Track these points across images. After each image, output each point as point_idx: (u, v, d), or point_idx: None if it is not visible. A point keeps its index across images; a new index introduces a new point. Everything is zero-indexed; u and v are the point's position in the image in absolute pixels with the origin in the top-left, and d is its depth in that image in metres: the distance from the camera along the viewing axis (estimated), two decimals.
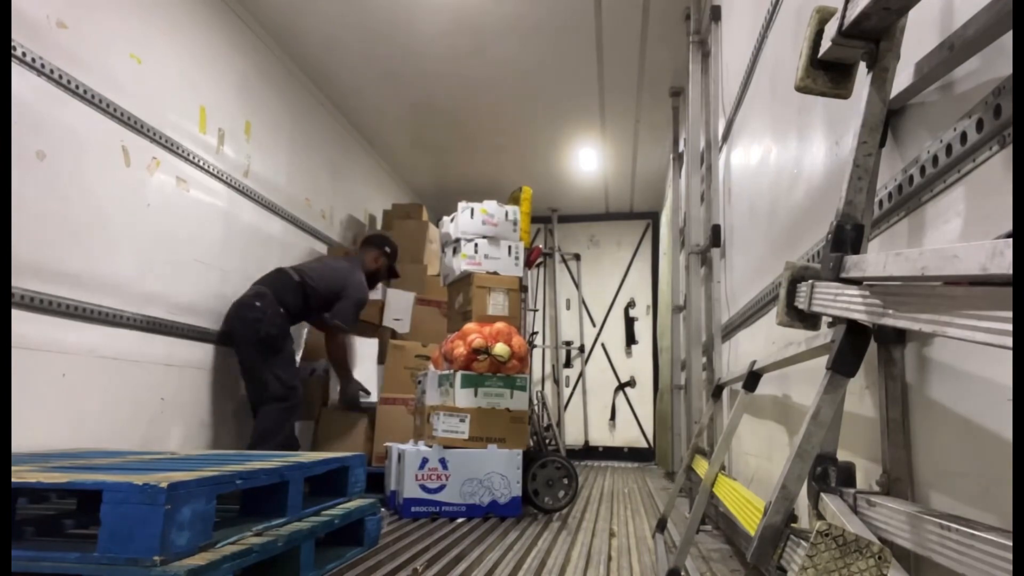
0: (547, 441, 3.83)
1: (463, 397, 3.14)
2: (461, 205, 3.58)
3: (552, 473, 3.24)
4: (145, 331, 3.03)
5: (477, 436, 3.12)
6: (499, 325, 3.29)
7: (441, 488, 3.03)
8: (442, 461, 3.03)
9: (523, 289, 3.68)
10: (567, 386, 7.05)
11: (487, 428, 3.13)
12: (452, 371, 3.20)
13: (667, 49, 4.09)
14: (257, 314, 3.45)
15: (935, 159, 0.94)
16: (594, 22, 3.91)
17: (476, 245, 3.50)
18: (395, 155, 6.06)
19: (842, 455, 1.08)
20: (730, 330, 2.71)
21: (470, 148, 5.78)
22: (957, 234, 0.90)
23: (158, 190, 3.16)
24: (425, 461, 3.04)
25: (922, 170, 0.98)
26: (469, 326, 3.29)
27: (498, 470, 3.09)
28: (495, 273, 3.49)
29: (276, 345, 3.48)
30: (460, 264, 3.49)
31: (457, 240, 3.54)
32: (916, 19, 0.99)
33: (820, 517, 1.01)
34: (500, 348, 3.20)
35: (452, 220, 3.67)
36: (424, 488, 3.01)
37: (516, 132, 5.50)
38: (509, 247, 3.55)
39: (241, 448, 3.79)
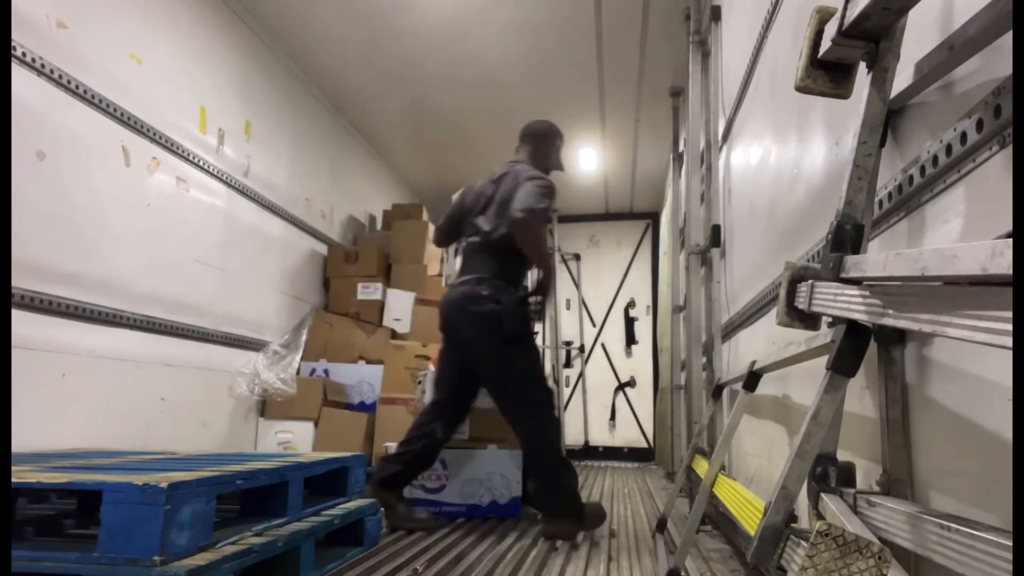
0: None
1: None
2: None
3: None
4: (145, 331, 3.04)
5: (477, 436, 3.12)
6: None
7: (441, 488, 3.03)
8: (442, 461, 3.03)
9: None
10: (567, 386, 7.04)
11: (487, 428, 3.12)
12: None
13: (667, 49, 4.09)
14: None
15: (935, 159, 0.94)
16: (594, 22, 3.91)
17: None
18: (395, 155, 6.06)
19: (842, 455, 1.08)
20: (730, 330, 2.71)
21: (470, 148, 5.78)
22: (957, 234, 0.90)
23: (158, 190, 3.16)
24: None
25: (922, 170, 0.98)
26: None
27: (498, 470, 3.09)
28: None
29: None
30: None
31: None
32: (916, 19, 0.99)
33: (820, 517, 1.01)
34: None
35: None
36: (424, 488, 3.01)
37: (516, 132, 5.48)
38: None
39: (239, 448, 3.79)
